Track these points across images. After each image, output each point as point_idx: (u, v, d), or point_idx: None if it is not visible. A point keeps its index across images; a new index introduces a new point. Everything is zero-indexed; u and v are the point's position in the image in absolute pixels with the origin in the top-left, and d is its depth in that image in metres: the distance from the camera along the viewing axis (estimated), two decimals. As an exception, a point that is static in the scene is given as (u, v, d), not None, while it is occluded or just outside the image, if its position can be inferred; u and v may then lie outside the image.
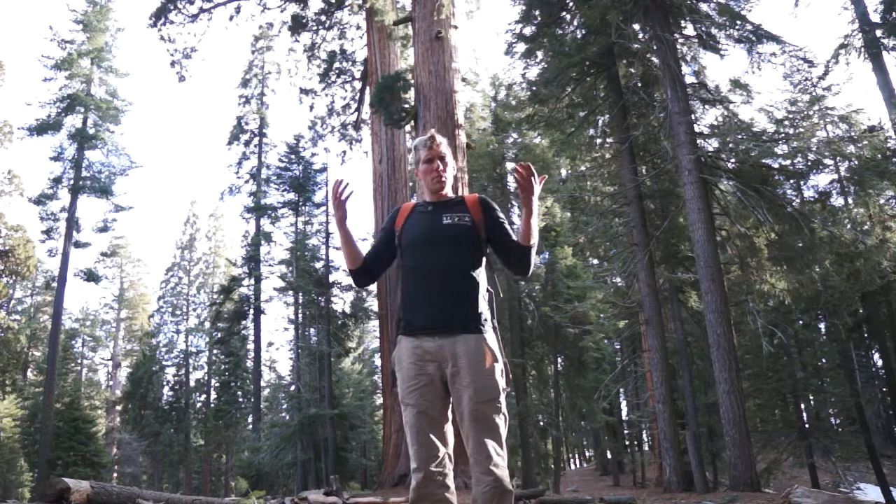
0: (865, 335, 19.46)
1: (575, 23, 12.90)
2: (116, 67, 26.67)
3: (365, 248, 2.75)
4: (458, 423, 2.48)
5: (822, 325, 16.96)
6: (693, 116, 11.10)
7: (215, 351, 32.78)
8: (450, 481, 2.43)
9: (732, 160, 11.04)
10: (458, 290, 2.52)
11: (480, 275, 2.59)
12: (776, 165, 11.23)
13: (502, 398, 2.48)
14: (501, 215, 2.69)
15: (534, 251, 2.57)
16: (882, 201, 13.53)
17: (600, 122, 13.39)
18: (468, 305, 2.52)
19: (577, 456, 40.53)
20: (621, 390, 21.73)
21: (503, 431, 2.45)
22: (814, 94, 13.94)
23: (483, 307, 2.55)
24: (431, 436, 2.43)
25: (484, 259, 2.64)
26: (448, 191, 2.73)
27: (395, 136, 15.58)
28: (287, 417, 25.33)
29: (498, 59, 72.35)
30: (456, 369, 2.45)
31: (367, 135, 18.32)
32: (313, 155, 24.96)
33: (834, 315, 14.72)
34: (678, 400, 12.94)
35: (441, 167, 2.67)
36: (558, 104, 12.96)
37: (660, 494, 11.20)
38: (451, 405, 2.53)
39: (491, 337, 2.52)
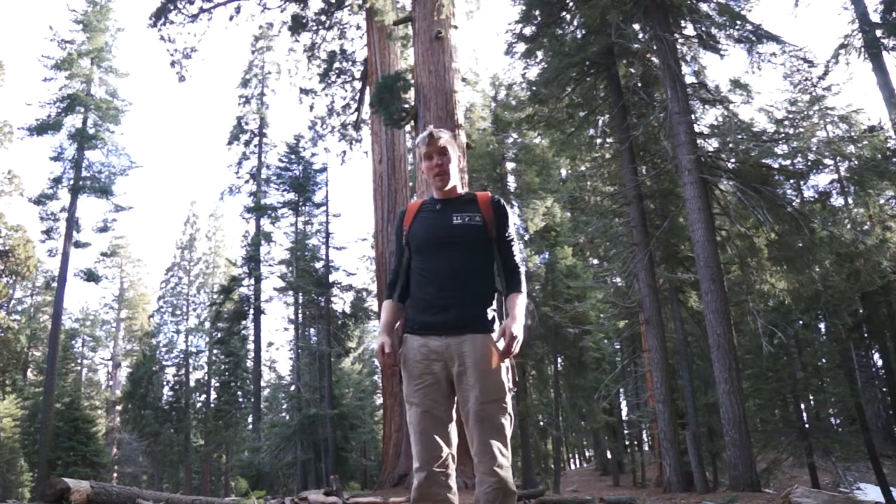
0: (865, 335, 19.46)
1: (575, 23, 12.90)
2: (116, 67, 26.72)
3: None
4: (462, 422, 2.47)
5: (822, 325, 16.96)
6: (693, 116, 11.09)
7: (215, 351, 32.78)
8: (452, 482, 2.42)
9: (732, 160, 11.04)
10: (466, 291, 2.49)
11: (490, 275, 2.56)
12: (776, 165, 11.23)
13: (508, 398, 2.46)
14: (512, 232, 2.63)
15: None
16: (882, 201, 13.53)
17: (600, 122, 13.39)
18: (476, 306, 2.50)
19: (577, 456, 40.51)
20: (621, 390, 21.72)
21: (508, 432, 2.43)
22: (814, 94, 13.96)
23: (491, 307, 2.53)
24: (435, 436, 2.41)
25: (494, 259, 2.59)
26: (456, 187, 2.66)
27: (395, 136, 15.58)
28: (287, 417, 25.30)
29: (498, 59, 72.34)
30: (462, 369, 2.43)
31: (367, 135, 18.31)
32: (313, 155, 25.00)
33: (834, 315, 14.72)
34: (678, 400, 12.93)
35: (441, 162, 2.59)
36: (558, 104, 12.96)
37: (660, 494, 11.20)
38: (456, 405, 2.51)
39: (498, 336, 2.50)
